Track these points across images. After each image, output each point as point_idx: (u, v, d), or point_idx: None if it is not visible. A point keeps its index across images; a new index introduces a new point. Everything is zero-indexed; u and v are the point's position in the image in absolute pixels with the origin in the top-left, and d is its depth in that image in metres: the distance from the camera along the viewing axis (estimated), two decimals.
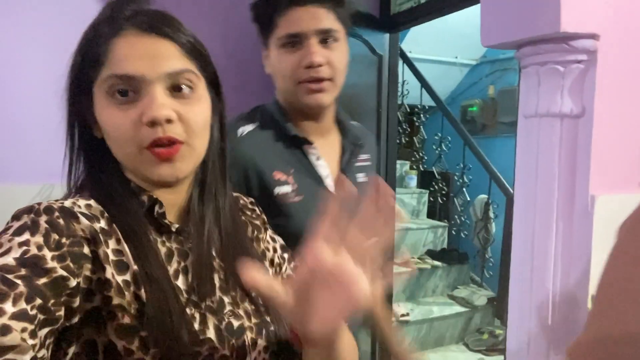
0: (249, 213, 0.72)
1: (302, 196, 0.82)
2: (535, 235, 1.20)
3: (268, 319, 0.62)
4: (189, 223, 0.60)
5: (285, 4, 0.80)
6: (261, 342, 0.60)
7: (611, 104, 1.10)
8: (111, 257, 0.50)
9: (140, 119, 0.52)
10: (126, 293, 0.50)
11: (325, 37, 0.82)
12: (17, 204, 1.35)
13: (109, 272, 0.50)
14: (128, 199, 0.55)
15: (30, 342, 0.41)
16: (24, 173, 1.37)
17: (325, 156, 0.86)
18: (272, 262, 0.70)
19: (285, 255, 0.73)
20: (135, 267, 0.52)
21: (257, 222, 0.71)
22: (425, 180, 4.03)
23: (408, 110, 4.04)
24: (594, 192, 1.12)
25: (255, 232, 0.70)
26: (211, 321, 0.56)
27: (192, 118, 0.54)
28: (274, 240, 0.73)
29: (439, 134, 3.74)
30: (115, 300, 0.49)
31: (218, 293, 0.59)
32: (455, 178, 3.68)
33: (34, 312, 0.42)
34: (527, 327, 1.24)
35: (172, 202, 0.59)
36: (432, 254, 3.44)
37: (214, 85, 0.61)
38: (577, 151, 1.12)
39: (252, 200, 0.75)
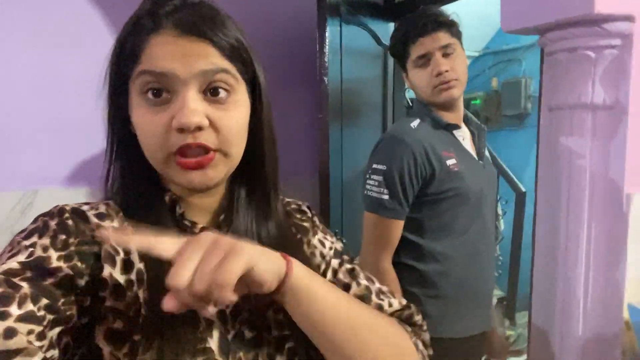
0: (298, 216, 0.69)
1: (462, 165, 1.14)
2: (563, 238, 1.10)
3: (289, 332, 0.57)
4: (224, 226, 0.58)
5: (414, 36, 1.12)
6: (280, 358, 0.55)
7: None
8: (121, 255, 0.50)
9: (171, 124, 0.50)
10: (128, 294, 0.49)
11: (446, 51, 1.12)
12: None
13: (107, 271, 0.49)
14: (149, 198, 0.54)
15: (37, 344, 0.41)
16: (4, 180, 1.27)
17: (465, 137, 1.22)
18: (318, 266, 0.67)
19: (334, 261, 0.67)
20: (140, 265, 0.50)
21: (306, 225, 0.68)
22: None
23: (410, 104, 3.92)
24: (630, 191, 1.02)
25: (300, 235, 0.67)
26: (217, 329, 0.52)
27: (226, 125, 0.52)
28: (322, 244, 0.68)
29: None
30: (108, 302, 0.48)
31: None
32: None
33: (41, 313, 0.42)
34: (552, 339, 1.13)
35: (204, 205, 0.58)
36: None
37: (254, 90, 0.57)
38: (610, 146, 1.01)
39: (305, 204, 0.73)
